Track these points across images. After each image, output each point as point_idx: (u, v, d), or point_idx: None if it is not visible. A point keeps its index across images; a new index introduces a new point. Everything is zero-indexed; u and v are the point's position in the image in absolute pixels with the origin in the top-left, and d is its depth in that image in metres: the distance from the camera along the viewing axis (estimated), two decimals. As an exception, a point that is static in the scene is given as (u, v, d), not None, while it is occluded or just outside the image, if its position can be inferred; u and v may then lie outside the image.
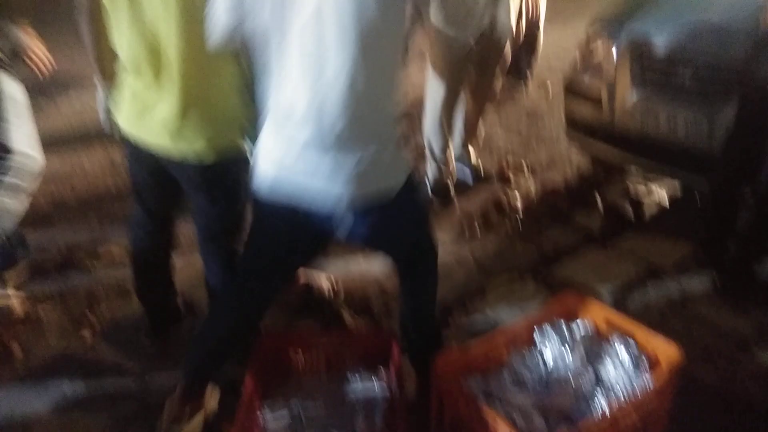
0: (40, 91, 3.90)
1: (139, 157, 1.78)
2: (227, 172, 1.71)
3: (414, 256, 1.74)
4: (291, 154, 1.52)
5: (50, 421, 1.90)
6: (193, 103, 1.63)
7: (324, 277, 2.41)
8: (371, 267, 2.61)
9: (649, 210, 3.10)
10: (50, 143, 3.78)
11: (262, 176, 1.59)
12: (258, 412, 1.68)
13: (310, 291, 2.35)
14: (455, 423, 1.63)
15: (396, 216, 1.62)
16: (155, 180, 1.84)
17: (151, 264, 2.04)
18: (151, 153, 1.72)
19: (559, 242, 2.87)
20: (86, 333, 2.27)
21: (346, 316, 2.25)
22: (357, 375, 1.79)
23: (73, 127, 4.07)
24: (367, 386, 1.75)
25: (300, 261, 1.79)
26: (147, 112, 1.67)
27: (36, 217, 2.95)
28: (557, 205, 3.16)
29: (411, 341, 1.89)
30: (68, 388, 2.02)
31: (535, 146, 3.91)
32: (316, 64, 1.44)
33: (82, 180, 3.45)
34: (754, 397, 1.97)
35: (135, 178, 1.89)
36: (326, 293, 2.36)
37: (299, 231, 1.60)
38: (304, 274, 2.39)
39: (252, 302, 1.69)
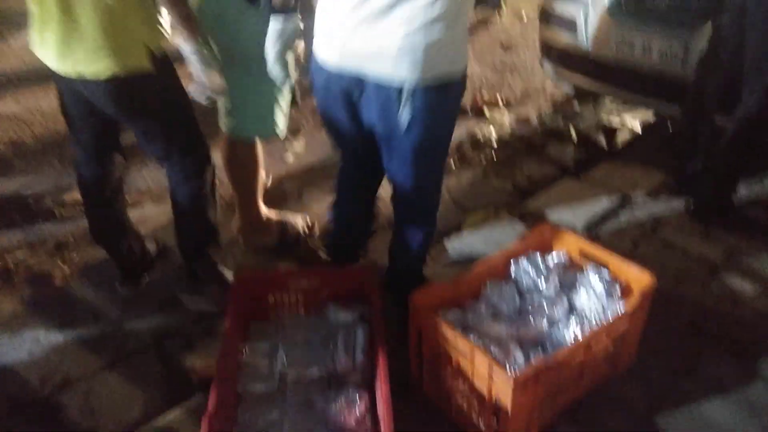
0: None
1: (63, 88, 1.75)
2: (134, 86, 1.65)
3: (419, 191, 1.71)
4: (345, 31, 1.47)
5: (28, 371, 1.88)
6: (74, 18, 1.56)
7: (299, 217, 2.39)
8: None
9: (622, 139, 3.11)
10: (5, 85, 3.65)
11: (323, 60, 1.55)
12: (239, 353, 1.68)
13: (286, 231, 2.34)
14: (434, 356, 1.66)
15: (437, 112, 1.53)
16: (82, 111, 1.78)
17: (99, 204, 1.99)
18: (67, 81, 1.68)
19: (533, 175, 2.87)
20: (58, 281, 2.22)
21: (322, 254, 2.23)
22: (335, 309, 1.79)
23: (28, 66, 3.85)
24: (345, 319, 1.76)
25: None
26: (44, 37, 1.62)
27: (-5, 164, 2.85)
28: (531, 139, 3.15)
29: (396, 275, 1.91)
30: (44, 337, 2.00)
31: (509, 79, 3.85)
32: None
33: (41, 123, 3.29)
34: (723, 320, 2.03)
35: (66, 112, 1.83)
36: (301, 232, 2.35)
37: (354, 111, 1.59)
38: (278, 215, 2.36)
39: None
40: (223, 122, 2.07)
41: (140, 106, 1.70)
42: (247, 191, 2.22)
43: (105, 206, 2.00)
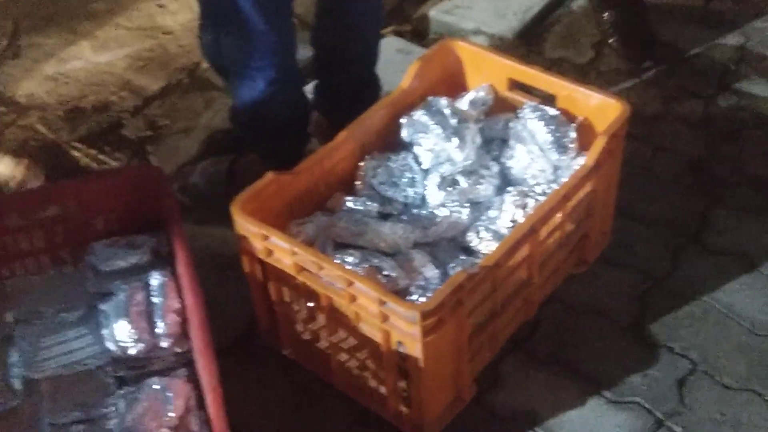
0: None
1: None
2: None
3: None
4: None
5: None
6: None
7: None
8: (108, 59, 2.46)
9: None
10: None
11: None
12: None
13: None
14: (290, 298, 1.63)
15: None
16: None
17: None
18: None
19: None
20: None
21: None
22: (105, 251, 1.71)
23: None
24: (126, 264, 1.69)
25: None
26: None
27: None
28: None
29: (331, 89, 2.08)
30: None
31: None
32: None
33: None
34: (739, 151, 2.14)
35: None
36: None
37: None
38: None
39: None
40: None
41: None
42: None
43: None
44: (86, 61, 2.45)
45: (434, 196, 1.76)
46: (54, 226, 1.72)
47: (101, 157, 2.16)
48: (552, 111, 1.83)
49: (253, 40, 1.79)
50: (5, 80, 2.39)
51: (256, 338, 1.77)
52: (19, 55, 2.47)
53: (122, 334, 1.55)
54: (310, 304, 1.58)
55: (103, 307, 1.61)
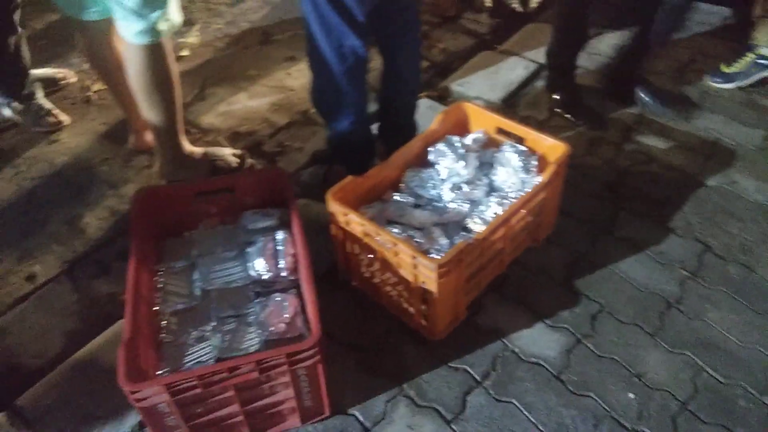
0: None
1: None
2: None
3: (405, 23, 1.81)
4: None
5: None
6: None
7: (228, 152, 2.14)
8: (256, 104, 2.47)
9: (535, 2, 3.00)
10: None
11: None
12: (153, 274, 1.60)
13: (216, 168, 2.09)
14: (359, 252, 1.64)
15: None
16: None
17: None
18: None
19: (449, 50, 2.76)
20: None
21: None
22: (252, 217, 1.71)
23: None
24: (264, 225, 1.69)
25: None
26: None
27: None
28: (445, 11, 2.99)
29: (392, 120, 2.02)
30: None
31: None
32: None
33: None
34: (636, 179, 2.10)
35: None
36: (233, 164, 2.11)
37: None
38: (204, 152, 2.09)
39: None
40: (128, 27, 1.66)
41: None
42: (168, 117, 1.84)
43: None
44: (243, 105, 2.47)
45: (447, 195, 1.76)
46: (223, 200, 1.72)
47: (249, 161, 2.16)
48: (522, 147, 1.82)
49: (343, 97, 1.76)
50: (195, 113, 2.40)
51: (336, 273, 1.77)
52: (204, 99, 2.49)
53: (260, 266, 1.57)
54: (370, 256, 1.59)
55: (249, 250, 1.62)
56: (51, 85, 2.49)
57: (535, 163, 1.81)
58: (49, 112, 2.30)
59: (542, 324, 1.67)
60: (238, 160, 2.12)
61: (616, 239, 1.89)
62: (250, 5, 3.07)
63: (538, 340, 1.62)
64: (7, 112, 2.27)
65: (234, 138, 2.32)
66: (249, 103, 2.49)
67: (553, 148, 1.78)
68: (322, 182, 1.95)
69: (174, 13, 1.71)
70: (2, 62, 2.13)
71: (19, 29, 2.12)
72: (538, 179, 1.72)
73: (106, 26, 1.78)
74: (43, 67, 2.53)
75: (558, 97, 2.38)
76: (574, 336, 1.63)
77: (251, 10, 3.04)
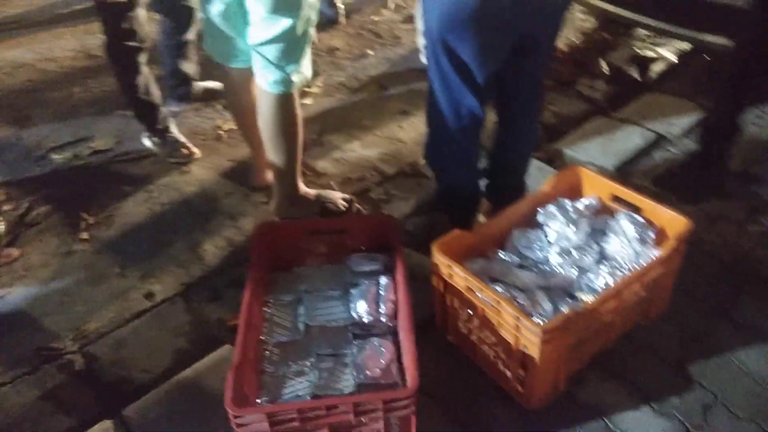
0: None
1: None
2: None
3: (532, 88, 1.81)
4: None
5: (58, 323, 1.89)
6: None
7: (337, 195, 2.23)
8: (368, 153, 2.56)
9: (656, 71, 2.93)
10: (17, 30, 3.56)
11: None
12: (263, 304, 1.67)
13: (326, 210, 2.18)
14: (459, 306, 1.62)
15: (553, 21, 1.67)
16: None
17: None
18: None
19: (562, 112, 2.74)
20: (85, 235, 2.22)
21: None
22: (358, 260, 1.76)
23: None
24: (369, 269, 1.72)
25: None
26: None
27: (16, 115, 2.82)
28: (560, 73, 2.98)
29: (502, 182, 2.02)
30: (74, 288, 2.01)
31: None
32: None
33: (56, 71, 3.22)
34: (759, 263, 1.95)
35: None
36: (341, 207, 2.19)
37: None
38: (316, 194, 2.20)
39: None
40: (266, 77, 1.80)
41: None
42: (289, 159, 1.96)
43: None
44: (356, 153, 2.56)
45: (555, 259, 1.71)
46: (332, 240, 1.78)
47: (356, 206, 2.21)
48: (639, 218, 1.75)
49: (456, 153, 1.79)
50: (312, 157, 2.50)
51: (430, 325, 1.75)
52: (321, 145, 2.60)
53: (361, 309, 1.60)
54: (470, 311, 1.57)
55: (353, 291, 1.65)
56: (211, 97, 2.80)
57: (653, 235, 1.73)
58: (183, 145, 2.50)
59: (649, 408, 1.56)
60: (346, 204, 2.20)
61: (735, 325, 1.75)
62: (371, 61, 3.21)
63: (643, 425, 1.52)
64: (148, 143, 2.49)
65: (344, 183, 2.40)
66: (361, 151, 2.57)
67: (673, 221, 1.70)
68: (427, 233, 1.95)
69: (306, 68, 1.84)
70: (136, 100, 2.34)
71: (145, 69, 2.31)
72: (655, 253, 1.64)
73: (247, 74, 1.93)
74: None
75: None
76: (683, 426, 1.51)
77: (371, 65, 3.18)
